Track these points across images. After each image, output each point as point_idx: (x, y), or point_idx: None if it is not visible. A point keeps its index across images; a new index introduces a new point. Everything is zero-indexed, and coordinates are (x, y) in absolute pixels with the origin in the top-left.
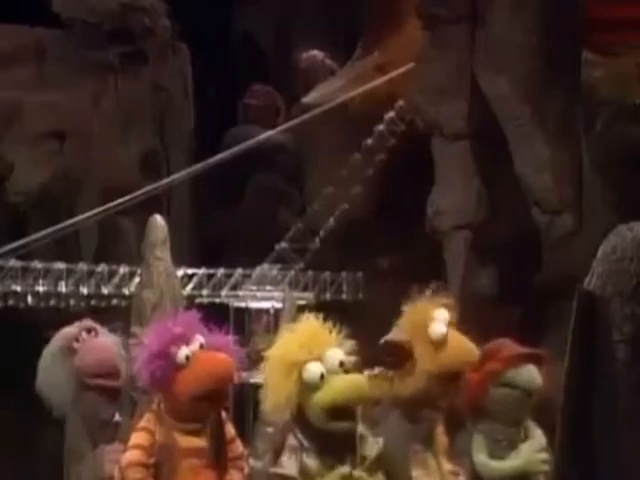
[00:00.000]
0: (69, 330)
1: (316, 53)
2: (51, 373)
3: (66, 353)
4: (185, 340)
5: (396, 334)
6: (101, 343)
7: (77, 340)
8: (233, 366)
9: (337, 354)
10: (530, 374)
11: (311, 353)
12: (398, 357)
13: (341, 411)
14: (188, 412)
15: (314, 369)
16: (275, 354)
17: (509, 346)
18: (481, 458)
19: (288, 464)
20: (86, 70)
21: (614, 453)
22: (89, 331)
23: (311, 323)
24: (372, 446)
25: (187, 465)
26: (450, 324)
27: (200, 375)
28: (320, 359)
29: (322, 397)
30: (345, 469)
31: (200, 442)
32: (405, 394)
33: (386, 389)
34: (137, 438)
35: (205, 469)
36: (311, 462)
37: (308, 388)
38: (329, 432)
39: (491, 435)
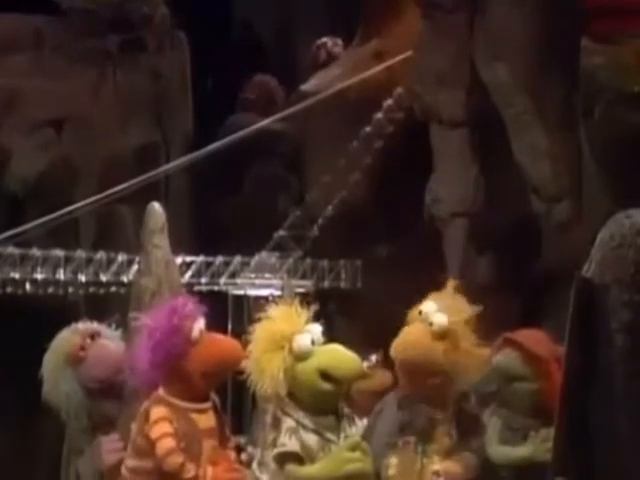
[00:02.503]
0: (72, 339)
1: (325, 39)
2: (58, 383)
3: (72, 363)
4: (195, 317)
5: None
6: (107, 349)
7: (83, 349)
8: (241, 347)
9: (318, 327)
10: (498, 361)
11: (296, 326)
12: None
13: (333, 376)
14: (196, 388)
15: (304, 337)
16: (261, 335)
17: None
18: (491, 443)
19: (289, 442)
20: (85, 58)
21: (612, 441)
22: (92, 337)
23: (283, 307)
24: (358, 427)
25: (209, 446)
26: (451, 320)
27: (214, 351)
28: (304, 332)
29: (316, 360)
30: (355, 438)
31: (213, 422)
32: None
33: (387, 378)
34: (160, 428)
35: (220, 449)
36: (310, 439)
37: (300, 358)
38: (323, 394)
39: (508, 422)
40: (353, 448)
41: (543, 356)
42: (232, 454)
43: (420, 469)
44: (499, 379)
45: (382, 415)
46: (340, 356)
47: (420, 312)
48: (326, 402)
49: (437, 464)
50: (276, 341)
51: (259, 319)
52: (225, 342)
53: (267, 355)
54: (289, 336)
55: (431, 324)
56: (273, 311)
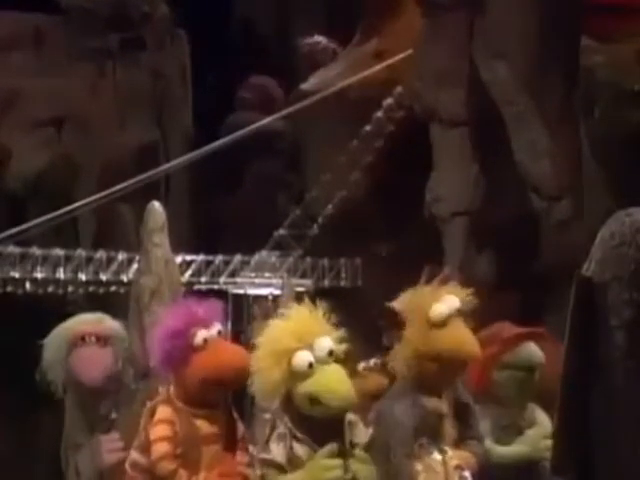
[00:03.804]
0: (82, 324)
1: (318, 38)
2: (54, 358)
3: (70, 347)
4: (205, 324)
5: (397, 304)
6: (97, 357)
7: (83, 339)
8: (248, 360)
9: (327, 343)
10: (529, 352)
11: (301, 341)
12: (392, 324)
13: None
14: (197, 395)
15: (303, 357)
16: (266, 341)
17: (507, 328)
18: (487, 443)
19: (276, 451)
20: (84, 56)
21: (612, 439)
22: (98, 338)
23: (302, 310)
24: (362, 433)
25: (210, 451)
26: (459, 314)
27: (215, 361)
28: (310, 347)
29: (308, 387)
30: (334, 445)
31: (217, 427)
32: (398, 372)
33: (383, 381)
34: (159, 431)
35: (223, 453)
36: (300, 449)
37: (296, 376)
38: (316, 418)
39: (497, 421)
40: (331, 455)
41: (552, 337)
42: (240, 458)
43: (443, 466)
44: (525, 372)
45: (386, 426)
46: (333, 383)
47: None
48: (323, 423)
49: (455, 458)
50: (278, 354)
51: (279, 314)
52: (228, 353)
53: (264, 367)
54: (291, 351)
55: (457, 315)
56: (287, 317)
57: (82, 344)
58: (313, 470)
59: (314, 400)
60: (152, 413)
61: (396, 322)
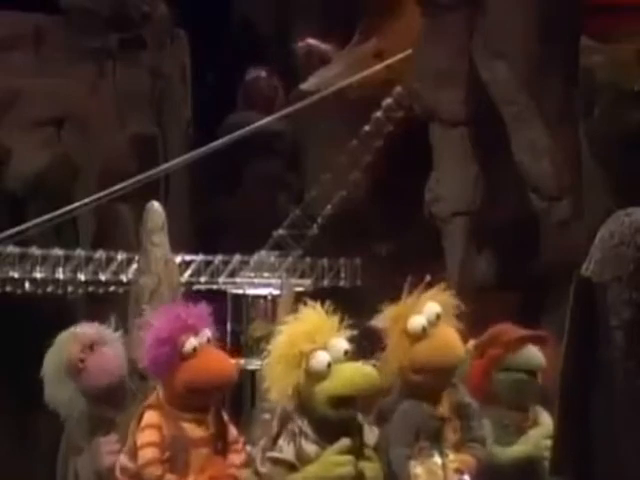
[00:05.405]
0: (71, 349)
1: (311, 41)
2: (58, 391)
3: (71, 374)
4: (194, 331)
5: (378, 321)
6: (105, 357)
7: (82, 360)
8: (235, 369)
9: (341, 343)
10: (532, 355)
11: (316, 342)
12: (375, 344)
13: (346, 399)
14: (184, 401)
15: (321, 358)
16: (280, 344)
17: (510, 330)
18: (489, 444)
19: (286, 449)
20: (84, 56)
21: (612, 439)
22: (91, 347)
23: (313, 312)
24: (371, 434)
25: (198, 455)
26: (443, 319)
27: (202, 370)
28: (325, 348)
29: (329, 386)
30: (345, 441)
31: (207, 431)
32: (383, 385)
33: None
34: (146, 436)
35: (213, 456)
36: (309, 447)
37: (314, 377)
38: (332, 420)
39: (498, 421)
40: (342, 452)
41: (553, 340)
42: (231, 461)
43: (443, 470)
44: (525, 375)
45: (388, 426)
46: (355, 378)
47: (438, 316)
48: (338, 423)
49: (455, 462)
50: (294, 356)
51: (288, 317)
52: (216, 362)
53: (281, 370)
54: (308, 352)
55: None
56: (301, 316)
57: (83, 365)
58: (324, 465)
59: (338, 401)
60: (140, 417)
61: (380, 341)
